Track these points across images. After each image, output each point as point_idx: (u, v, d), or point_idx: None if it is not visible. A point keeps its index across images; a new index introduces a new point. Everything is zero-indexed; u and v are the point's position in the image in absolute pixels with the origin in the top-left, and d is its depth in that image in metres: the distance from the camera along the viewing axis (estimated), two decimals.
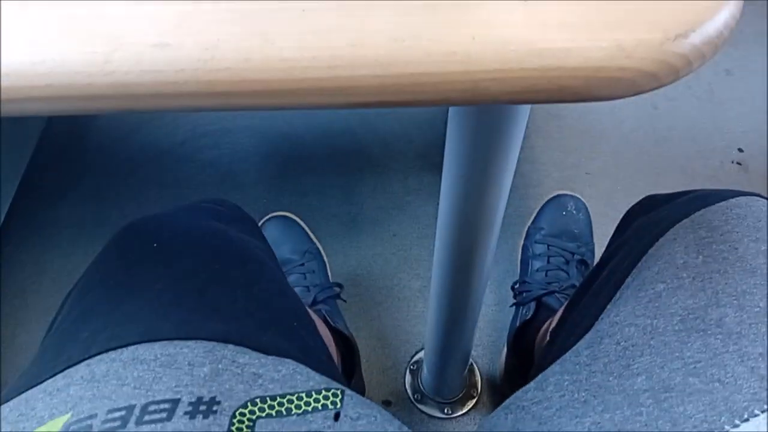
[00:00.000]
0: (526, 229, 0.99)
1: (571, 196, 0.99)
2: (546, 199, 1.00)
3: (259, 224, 1.00)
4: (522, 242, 0.99)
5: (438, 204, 0.55)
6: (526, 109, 0.43)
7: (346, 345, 0.85)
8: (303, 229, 1.02)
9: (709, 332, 0.34)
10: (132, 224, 0.47)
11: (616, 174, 1.14)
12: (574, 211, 0.97)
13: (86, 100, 0.23)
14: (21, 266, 1.07)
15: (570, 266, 0.89)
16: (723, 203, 0.40)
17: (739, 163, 1.15)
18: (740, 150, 1.17)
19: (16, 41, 0.23)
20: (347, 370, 0.86)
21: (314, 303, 0.88)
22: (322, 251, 1.01)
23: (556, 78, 0.22)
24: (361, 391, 0.92)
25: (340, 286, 0.94)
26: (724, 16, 0.24)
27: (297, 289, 0.91)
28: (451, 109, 0.44)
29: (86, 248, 1.08)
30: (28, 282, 1.05)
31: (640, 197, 0.56)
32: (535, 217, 0.99)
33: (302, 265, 0.94)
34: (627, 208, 0.57)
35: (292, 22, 0.24)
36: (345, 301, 0.97)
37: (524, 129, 0.45)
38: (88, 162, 1.19)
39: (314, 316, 0.74)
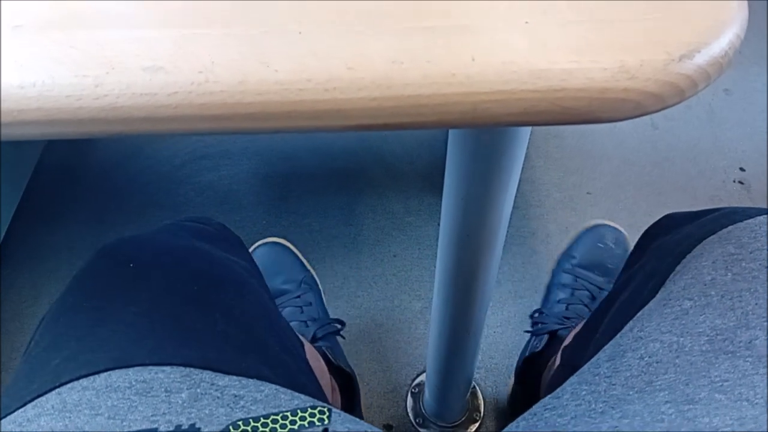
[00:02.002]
0: (559, 253, 0.94)
1: (614, 229, 0.92)
2: (586, 226, 0.94)
3: (250, 250, 0.96)
4: (552, 267, 0.94)
5: (439, 225, 0.54)
6: (527, 130, 0.42)
7: (347, 383, 0.82)
8: (296, 256, 0.97)
9: (738, 354, 0.33)
10: (108, 245, 0.44)
11: (618, 194, 1.14)
12: (612, 245, 0.90)
13: (77, 124, 0.23)
14: (18, 290, 1.06)
15: (595, 303, 0.84)
16: (751, 221, 0.39)
17: (741, 183, 1.15)
18: (742, 169, 1.16)
19: (6, 64, 0.22)
20: (346, 408, 0.82)
21: (314, 340, 0.83)
22: (317, 279, 0.96)
23: (559, 99, 0.22)
24: None
25: (341, 323, 0.89)
26: (728, 36, 0.24)
27: (294, 324, 0.86)
28: (450, 130, 0.43)
29: None
30: (25, 305, 1.04)
31: (642, 217, 0.55)
32: (572, 244, 0.94)
33: (298, 297, 0.89)
34: (630, 229, 0.56)
35: (289, 44, 0.23)
36: (344, 338, 0.93)
37: (525, 150, 0.44)
38: (87, 185, 1.19)
39: (308, 347, 0.72)
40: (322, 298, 0.94)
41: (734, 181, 1.15)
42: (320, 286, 0.97)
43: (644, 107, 0.23)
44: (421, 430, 0.90)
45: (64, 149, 1.24)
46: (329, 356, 0.80)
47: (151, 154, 1.22)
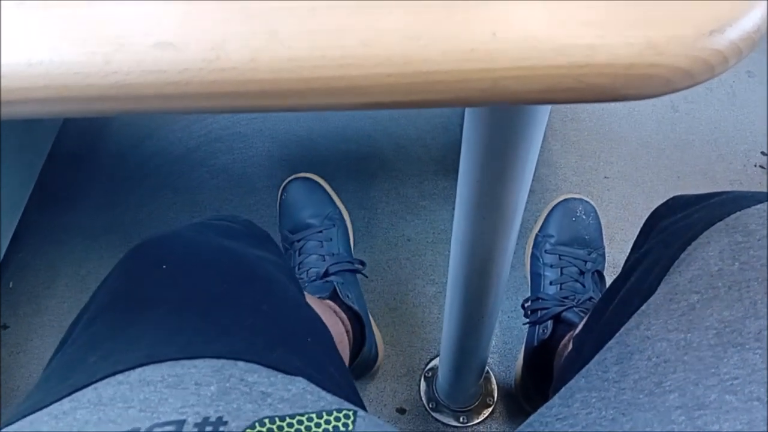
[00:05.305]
0: (532, 236, 0.96)
1: (580, 200, 0.94)
2: (552, 203, 0.96)
3: (281, 187, 1.00)
4: (529, 251, 0.95)
5: (454, 209, 0.53)
6: (545, 110, 0.41)
7: (356, 319, 0.84)
8: (327, 192, 1.00)
9: (747, 346, 0.32)
10: (139, 246, 0.46)
11: (636, 178, 1.12)
12: (584, 216, 0.93)
13: (86, 102, 0.22)
14: (34, 272, 1.07)
15: (585, 277, 0.85)
16: (759, 206, 0.38)
17: (762, 167, 1.13)
18: (763, 153, 1.14)
19: (13, 41, 0.22)
20: (358, 343, 0.85)
21: (326, 274, 0.86)
22: (346, 216, 0.99)
23: (583, 76, 0.21)
24: (373, 356, 0.91)
25: (361, 263, 0.92)
26: (761, 9, 0.23)
27: (312, 258, 0.89)
28: (467, 111, 0.43)
29: (99, 254, 1.08)
30: (42, 287, 1.05)
31: (661, 201, 0.54)
32: (543, 224, 0.95)
33: (320, 232, 0.92)
34: (647, 213, 0.55)
35: (302, 19, 0.22)
36: (366, 276, 0.96)
37: (543, 132, 0.43)
38: (101, 168, 1.19)
39: (318, 304, 0.73)
40: (347, 235, 0.96)
41: (755, 166, 1.13)
42: (348, 223, 0.99)
43: (673, 84, 0.22)
44: (434, 414, 0.90)
45: (79, 132, 1.24)
46: (338, 291, 0.82)
47: (164, 137, 1.22)
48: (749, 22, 0.22)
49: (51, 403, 0.34)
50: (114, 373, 0.34)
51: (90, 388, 0.34)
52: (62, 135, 1.22)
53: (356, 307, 0.84)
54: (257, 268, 0.47)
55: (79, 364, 0.37)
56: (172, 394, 0.33)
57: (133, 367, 0.34)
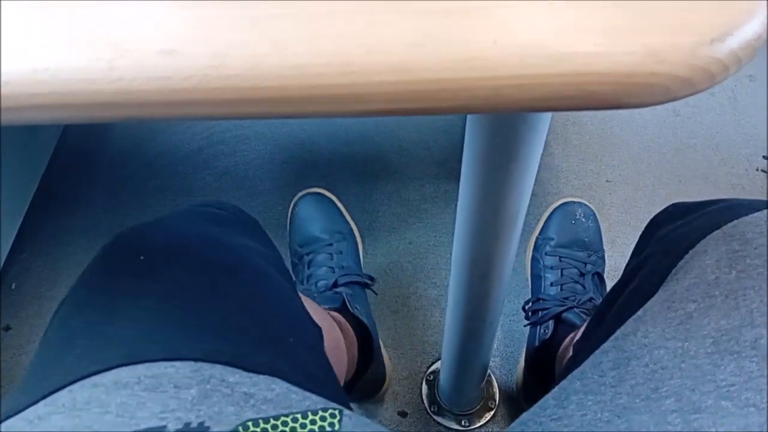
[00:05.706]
0: (533, 239, 0.96)
1: (579, 203, 0.95)
2: (552, 207, 0.97)
3: (293, 201, 1.00)
4: (530, 254, 0.96)
5: (455, 212, 0.53)
6: (547, 116, 0.41)
7: (364, 332, 0.83)
8: (338, 208, 1.00)
9: (743, 354, 0.32)
10: (119, 236, 0.43)
11: (637, 182, 1.12)
12: (583, 219, 0.94)
13: (91, 108, 0.22)
14: (37, 273, 1.07)
15: (585, 279, 0.86)
16: (757, 214, 0.39)
17: (764, 171, 1.13)
18: (765, 157, 1.14)
19: (17, 47, 0.22)
20: (365, 359, 0.83)
21: (335, 285, 0.86)
22: (357, 233, 1.00)
23: (583, 84, 0.21)
24: (380, 377, 0.90)
25: (371, 278, 0.92)
26: (761, 17, 0.23)
27: (322, 270, 0.88)
28: (469, 116, 0.43)
29: None
30: (44, 289, 1.05)
31: (662, 205, 0.54)
32: (543, 227, 0.96)
33: (330, 245, 0.92)
34: (648, 217, 0.55)
35: (305, 26, 0.23)
36: (376, 293, 0.96)
37: (545, 136, 0.44)
38: (104, 169, 1.19)
39: (315, 308, 0.73)
40: (357, 251, 0.97)
41: (757, 170, 1.13)
42: (359, 240, 0.99)
43: (673, 92, 0.22)
44: (435, 417, 0.90)
45: (81, 133, 1.24)
46: (347, 302, 0.81)
47: (167, 139, 1.22)
48: (750, 30, 0.22)
49: (27, 407, 0.33)
50: (89, 375, 0.33)
51: (65, 390, 0.33)
52: (65, 137, 1.23)
53: (364, 319, 0.82)
54: (245, 260, 0.45)
55: (54, 365, 0.36)
56: (150, 397, 0.31)
57: (109, 368, 0.33)
